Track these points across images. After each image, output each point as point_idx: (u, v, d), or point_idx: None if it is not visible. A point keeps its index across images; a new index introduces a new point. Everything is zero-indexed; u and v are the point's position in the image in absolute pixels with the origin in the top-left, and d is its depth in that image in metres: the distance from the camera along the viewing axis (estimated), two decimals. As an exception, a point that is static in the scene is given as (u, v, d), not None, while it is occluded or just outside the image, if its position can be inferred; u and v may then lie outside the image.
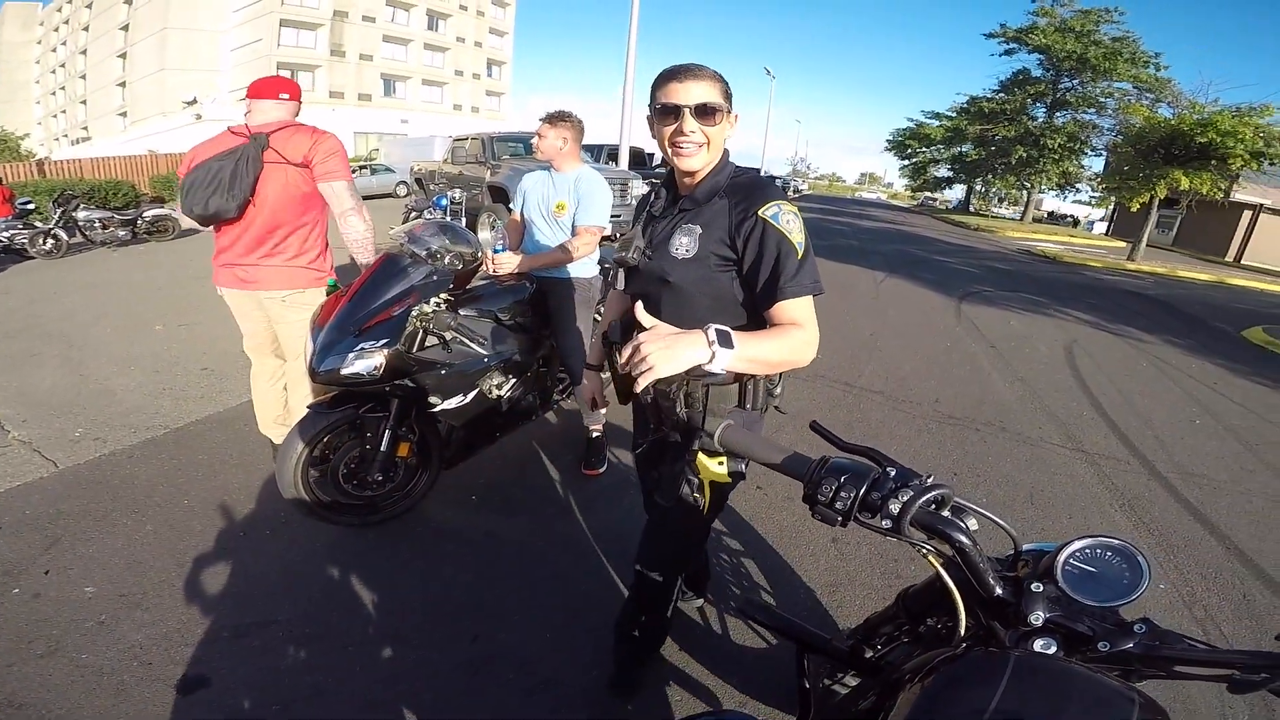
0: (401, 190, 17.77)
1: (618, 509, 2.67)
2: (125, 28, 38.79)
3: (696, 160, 1.28)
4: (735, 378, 1.35)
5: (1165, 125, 15.61)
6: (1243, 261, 22.22)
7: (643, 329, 1.03)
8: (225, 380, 4.00)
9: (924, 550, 0.81)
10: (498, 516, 2.58)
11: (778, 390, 1.43)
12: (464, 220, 8.93)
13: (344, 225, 2.38)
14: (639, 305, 1.02)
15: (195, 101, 33.87)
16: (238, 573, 2.23)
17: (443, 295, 2.22)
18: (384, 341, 2.03)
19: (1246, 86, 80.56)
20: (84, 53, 43.90)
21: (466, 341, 2.17)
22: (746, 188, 1.30)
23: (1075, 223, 42.36)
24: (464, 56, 45.02)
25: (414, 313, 2.11)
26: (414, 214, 9.00)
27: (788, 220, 1.23)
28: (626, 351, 0.97)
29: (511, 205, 2.88)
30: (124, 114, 40.18)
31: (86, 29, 42.97)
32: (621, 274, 1.51)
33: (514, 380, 2.52)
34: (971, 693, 0.64)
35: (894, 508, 0.75)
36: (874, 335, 5.77)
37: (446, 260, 2.21)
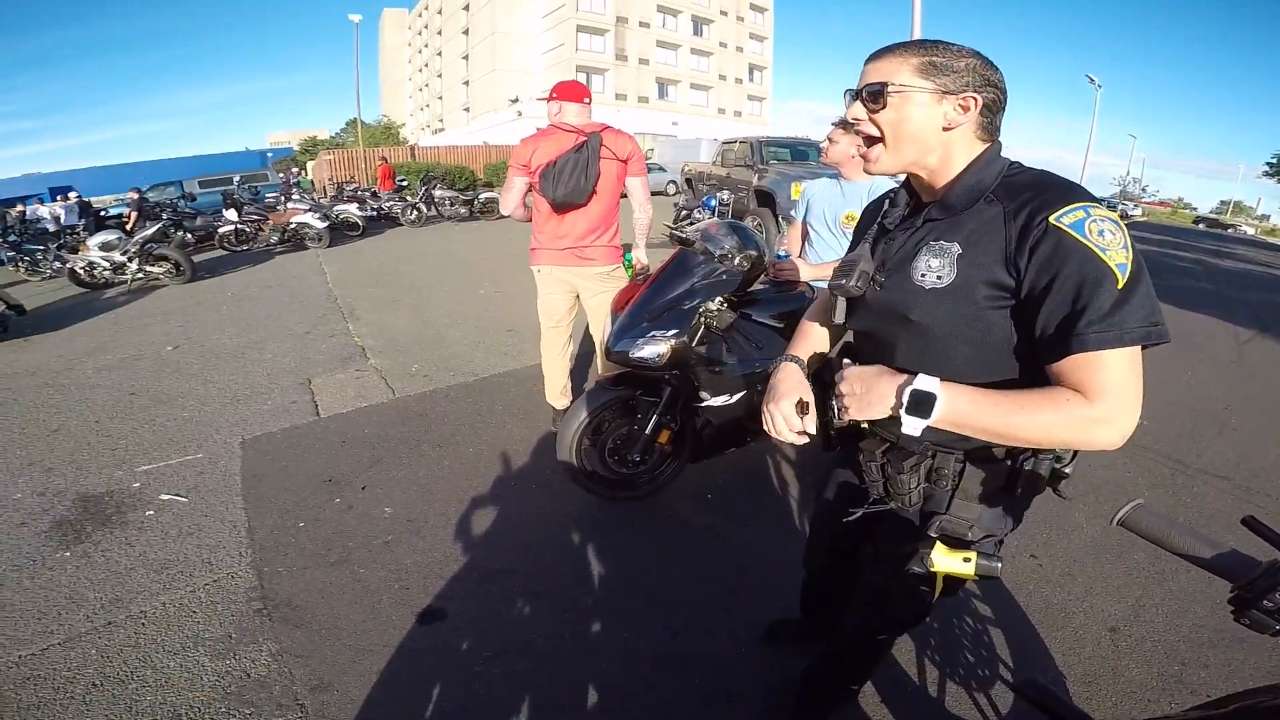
0: (671, 189, 18.95)
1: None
2: (466, 32, 47.22)
3: (875, 165, 1.02)
4: (1005, 451, 1.02)
5: None
6: None
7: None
8: (525, 343, 4.71)
9: None
10: (729, 520, 2.60)
11: (1068, 469, 1.02)
12: (737, 223, 9.17)
13: (641, 212, 2.82)
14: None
15: (517, 100, 40.19)
16: (501, 519, 2.54)
17: (727, 295, 2.28)
18: (673, 332, 2.16)
19: None
20: (439, 54, 54.60)
21: (744, 343, 2.20)
22: (1030, 185, 0.93)
23: None
24: (727, 61, 46.17)
25: (701, 309, 2.21)
26: (684, 212, 9.51)
27: (1100, 231, 0.84)
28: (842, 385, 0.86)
29: (793, 213, 2.84)
30: (467, 109, 49.29)
31: (440, 32, 53.22)
32: (841, 304, 1.15)
33: (778, 388, 2.49)
34: None
35: None
36: (1227, 408, 4.46)
37: (736, 261, 2.26)
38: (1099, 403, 0.83)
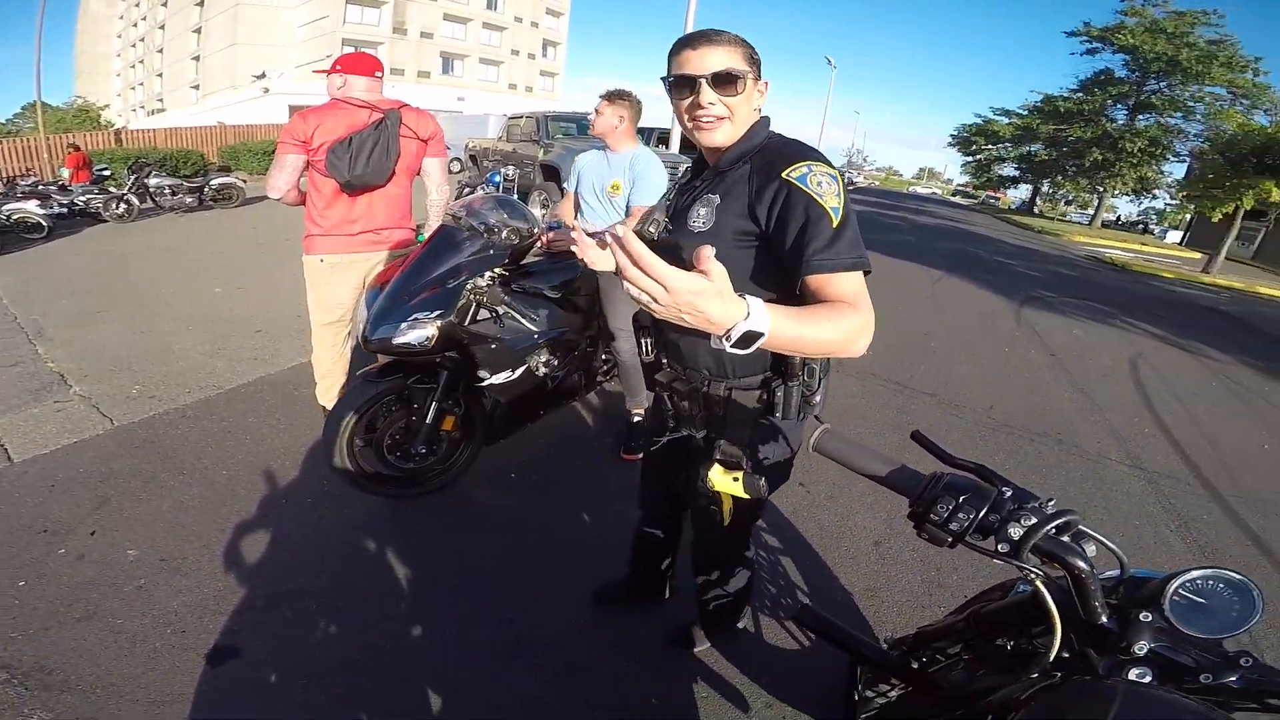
0: (455, 166, 18.03)
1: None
2: (200, 3, 40.26)
3: (719, 134, 1.16)
4: (763, 379, 1.23)
5: (1261, 133, 14.58)
6: (1335, 281, 20.63)
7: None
8: (277, 342, 4.13)
9: (1031, 575, 0.77)
10: (535, 496, 2.58)
11: (816, 398, 1.26)
12: (515, 197, 9.02)
13: (438, 193, 2.67)
14: (705, 253, 0.78)
15: (264, 76, 34.99)
16: (277, 541, 2.25)
17: (497, 270, 2.22)
18: (438, 312, 2.05)
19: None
20: (162, 27, 45.78)
21: (518, 317, 2.18)
22: (776, 149, 1.16)
23: (1145, 229, 40.15)
24: (520, 36, 45.25)
25: (468, 285, 2.13)
26: (468, 190, 9.13)
27: (819, 182, 1.05)
28: (637, 278, 0.76)
29: (565, 184, 2.86)
30: (196, 87, 41.81)
31: (165, 4, 44.73)
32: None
33: (561, 358, 2.52)
34: None
35: (1014, 533, 0.71)
36: (928, 335, 5.57)
37: (503, 235, 2.21)
38: (861, 311, 0.98)
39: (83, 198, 9.44)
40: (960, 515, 0.74)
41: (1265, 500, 3.26)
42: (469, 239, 2.17)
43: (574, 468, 2.83)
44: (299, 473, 2.68)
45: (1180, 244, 27.58)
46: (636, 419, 2.87)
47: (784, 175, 1.07)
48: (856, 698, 1.24)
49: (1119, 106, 28.76)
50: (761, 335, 0.83)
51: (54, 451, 2.82)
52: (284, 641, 1.84)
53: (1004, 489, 0.76)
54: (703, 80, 1.11)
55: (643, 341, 1.40)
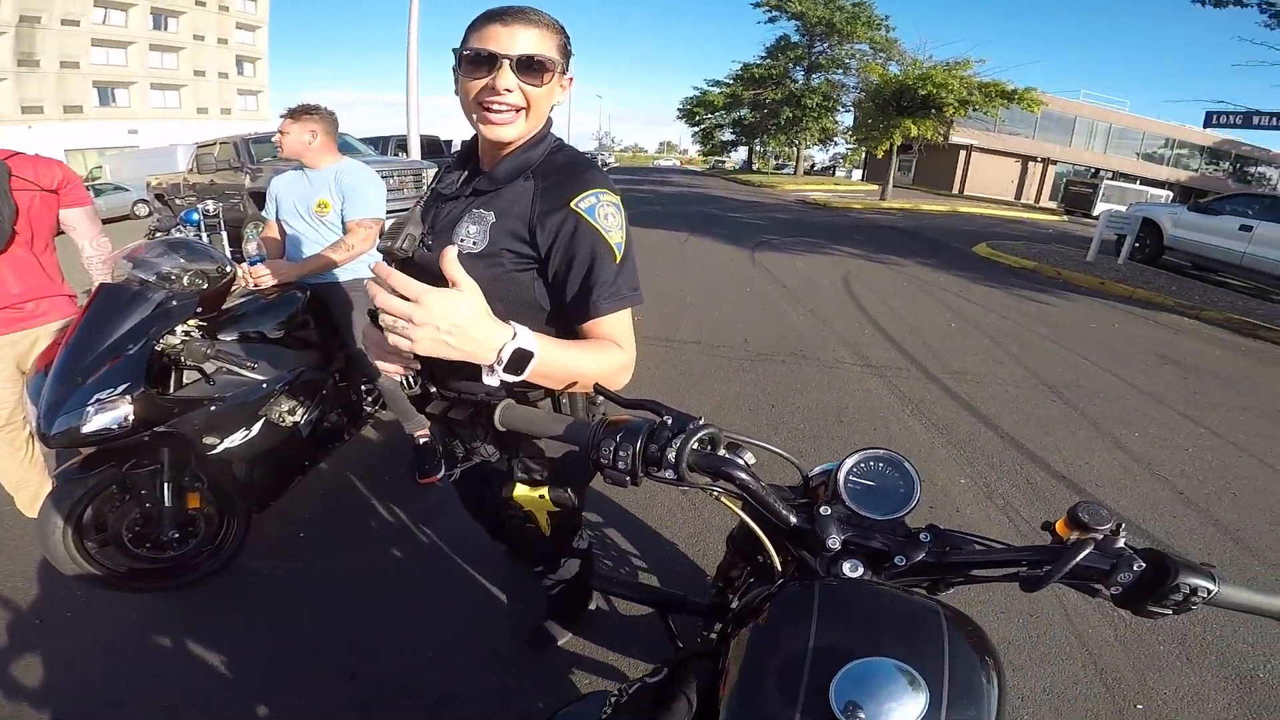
0: (142, 209, 15.00)
1: (464, 510, 2.55)
2: None
3: (511, 129, 1.01)
4: (544, 393, 1.15)
5: (895, 81, 18.28)
6: (965, 192, 27.14)
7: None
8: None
9: (715, 494, 0.78)
10: (335, 548, 2.33)
11: (599, 401, 1.20)
12: (225, 234, 7.82)
13: (95, 249, 2.24)
14: (450, 255, 0.74)
15: None
16: (52, 661, 1.83)
17: (192, 322, 1.91)
18: (124, 386, 1.70)
19: (953, 43, 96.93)
20: None
21: (234, 369, 1.90)
22: (561, 169, 1.05)
23: (833, 171, 48.45)
24: (204, 55, 38.94)
25: (159, 346, 1.80)
26: (159, 234, 7.64)
27: (606, 215, 1.01)
28: (388, 301, 0.71)
29: (264, 213, 2.56)
30: None
31: None
32: (394, 265, 1.25)
33: (308, 401, 2.26)
34: (790, 631, 0.63)
35: (670, 456, 0.70)
36: (684, 291, 6.12)
37: (185, 281, 1.90)
38: (625, 349, 1.01)
39: None
40: (622, 453, 0.72)
41: (965, 371, 4.16)
42: (142, 293, 1.82)
43: (369, 508, 2.59)
44: (40, 590, 2.13)
45: (862, 179, 33.75)
46: (423, 440, 2.71)
47: (572, 205, 0.99)
48: (680, 645, 1.26)
49: (798, 68, 33.36)
50: (532, 355, 0.81)
51: None
52: None
53: (665, 418, 0.74)
54: (505, 61, 0.95)
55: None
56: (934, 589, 0.79)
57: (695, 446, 0.71)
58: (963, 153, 28.39)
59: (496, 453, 1.25)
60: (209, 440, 1.95)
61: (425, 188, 8.75)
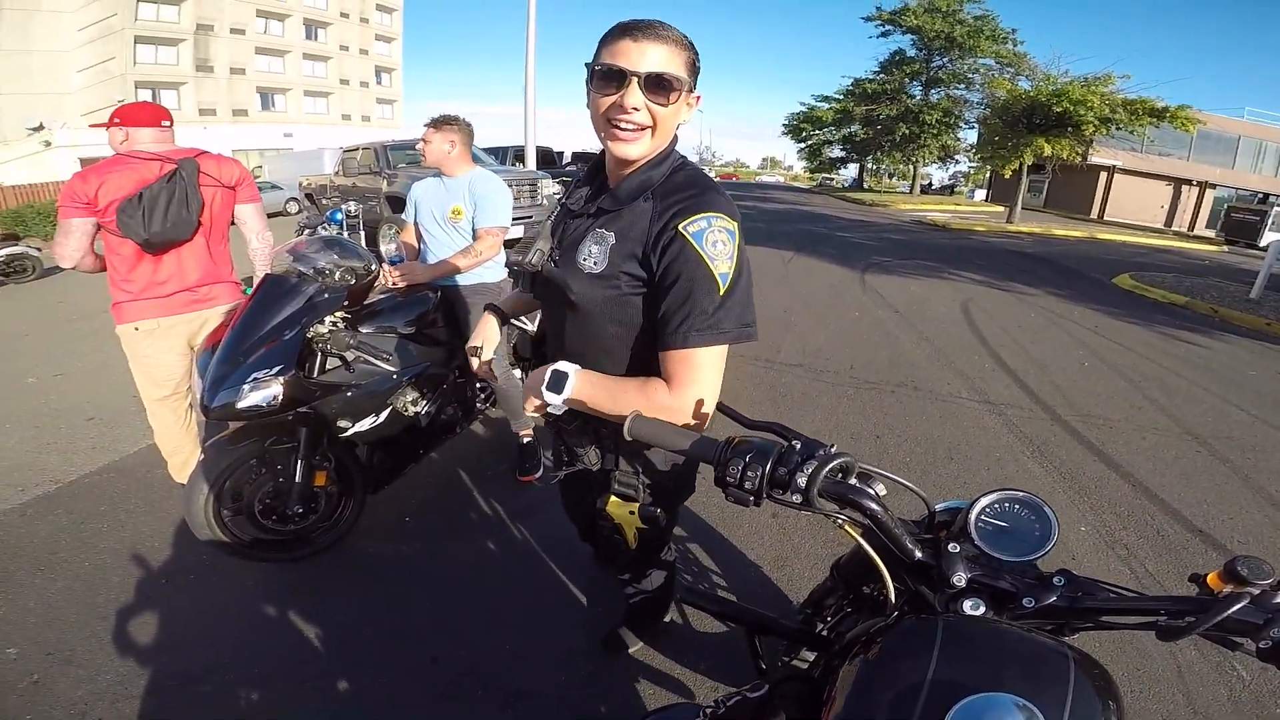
0: (292, 207, 16.71)
1: (558, 510, 2.61)
2: None
3: (636, 147, 1.00)
4: None
5: (1025, 97, 17.08)
6: (1105, 217, 24.75)
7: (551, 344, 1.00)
8: (116, 428, 3.63)
9: (839, 521, 0.78)
10: (437, 535, 2.46)
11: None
12: (363, 233, 8.51)
13: (260, 242, 2.49)
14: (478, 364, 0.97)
15: (41, 128, 30.41)
16: (169, 620, 2.06)
17: (338, 313, 2.07)
18: (278, 368, 1.87)
19: (1089, 58, 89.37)
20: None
21: (370, 359, 2.04)
22: (679, 189, 1.03)
23: (951, 190, 45.80)
24: (349, 65, 42.90)
25: (309, 334, 1.97)
26: (307, 230, 8.48)
27: (714, 241, 0.96)
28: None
29: (404, 216, 2.74)
30: (-43, 146, 35.57)
31: None
32: (526, 276, 1.24)
33: (429, 394, 2.40)
34: (908, 663, 0.62)
35: (800, 481, 0.72)
36: (788, 312, 5.95)
37: (337, 276, 2.07)
38: (678, 394, 0.98)
39: None
40: (750, 474, 0.75)
41: (1097, 415, 3.77)
42: (299, 285, 2.00)
43: (473, 500, 2.72)
44: (173, 552, 2.42)
45: (986, 200, 31.63)
46: (527, 440, 2.81)
47: (680, 229, 0.97)
48: (764, 666, 1.26)
49: (914, 83, 31.97)
50: (568, 374, 0.93)
51: None
52: (210, 716, 1.73)
53: (793, 442, 0.76)
54: (634, 79, 0.94)
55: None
56: (1057, 632, 0.76)
57: (827, 474, 0.72)
58: (1103, 174, 25.91)
59: (598, 462, 1.29)
60: (342, 423, 2.11)
61: (540, 197, 9.36)
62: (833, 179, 49.77)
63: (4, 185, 17.59)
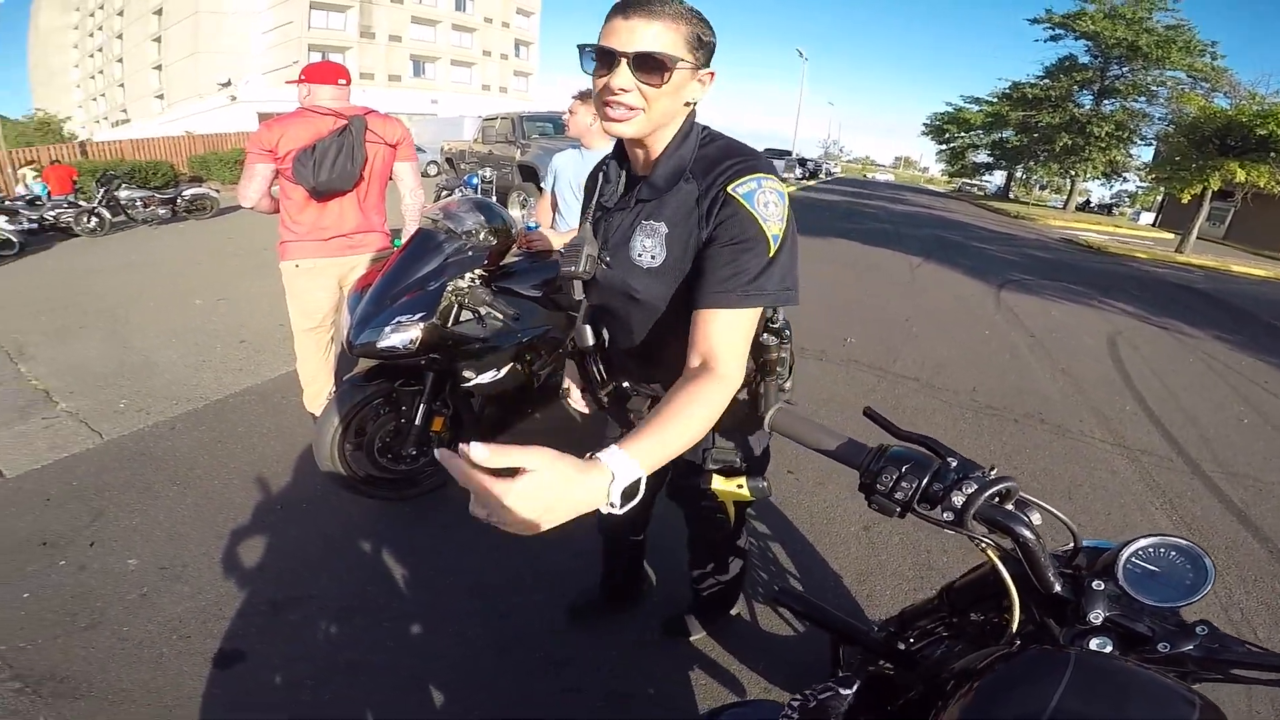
0: (433, 170, 17.86)
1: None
2: (159, 12, 39.56)
3: (629, 127, 0.96)
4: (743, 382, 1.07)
5: (1222, 116, 14.92)
6: (1301, 257, 21.22)
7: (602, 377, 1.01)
8: (262, 353, 4.09)
9: (982, 544, 0.77)
10: None
11: (788, 384, 1.20)
12: (495, 198, 8.97)
13: (412, 197, 2.70)
14: (477, 455, 0.67)
15: (229, 84, 34.43)
16: (275, 546, 2.26)
17: (477, 271, 2.20)
18: (420, 315, 2.03)
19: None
20: (120, 37, 44.86)
21: (500, 317, 2.16)
22: (717, 160, 1.00)
23: (1110, 210, 41.09)
24: (491, 37, 45.03)
25: (449, 287, 2.11)
26: (445, 192, 9.07)
27: (766, 202, 0.94)
28: (479, 510, 0.70)
29: (543, 184, 2.85)
30: (160, 96, 41.15)
31: (121, 14, 43.83)
32: (578, 284, 1.20)
33: (546, 356, 2.51)
34: (1030, 691, 0.61)
35: (957, 500, 0.72)
36: (909, 321, 5.62)
37: (481, 236, 2.20)
38: (724, 367, 0.91)
39: (53, 212, 9.22)
40: (904, 484, 0.75)
41: (1246, 475, 3.32)
42: (447, 241, 2.15)
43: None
44: (292, 479, 2.67)
45: (1153, 225, 28.13)
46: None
47: (729, 190, 0.95)
48: (844, 675, 1.24)
49: (1085, 92, 29.09)
50: (640, 479, 0.77)
51: (45, 467, 2.81)
52: (289, 644, 1.86)
53: (949, 459, 0.76)
54: (623, 59, 0.90)
55: (592, 369, 1.29)
56: (1181, 678, 0.71)
57: (988, 497, 0.71)
58: (1309, 209, 22.20)
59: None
60: (466, 373, 2.26)
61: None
62: (974, 185, 46.22)
63: (196, 134, 20.12)
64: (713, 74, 1.01)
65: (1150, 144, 27.19)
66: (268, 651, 1.83)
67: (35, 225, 8.88)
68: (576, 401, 1.52)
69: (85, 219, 9.26)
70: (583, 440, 3.02)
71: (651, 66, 0.91)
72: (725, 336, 0.94)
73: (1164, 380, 4.78)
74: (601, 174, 1.18)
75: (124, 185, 10.25)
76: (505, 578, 2.12)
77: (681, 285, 1.03)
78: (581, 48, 0.96)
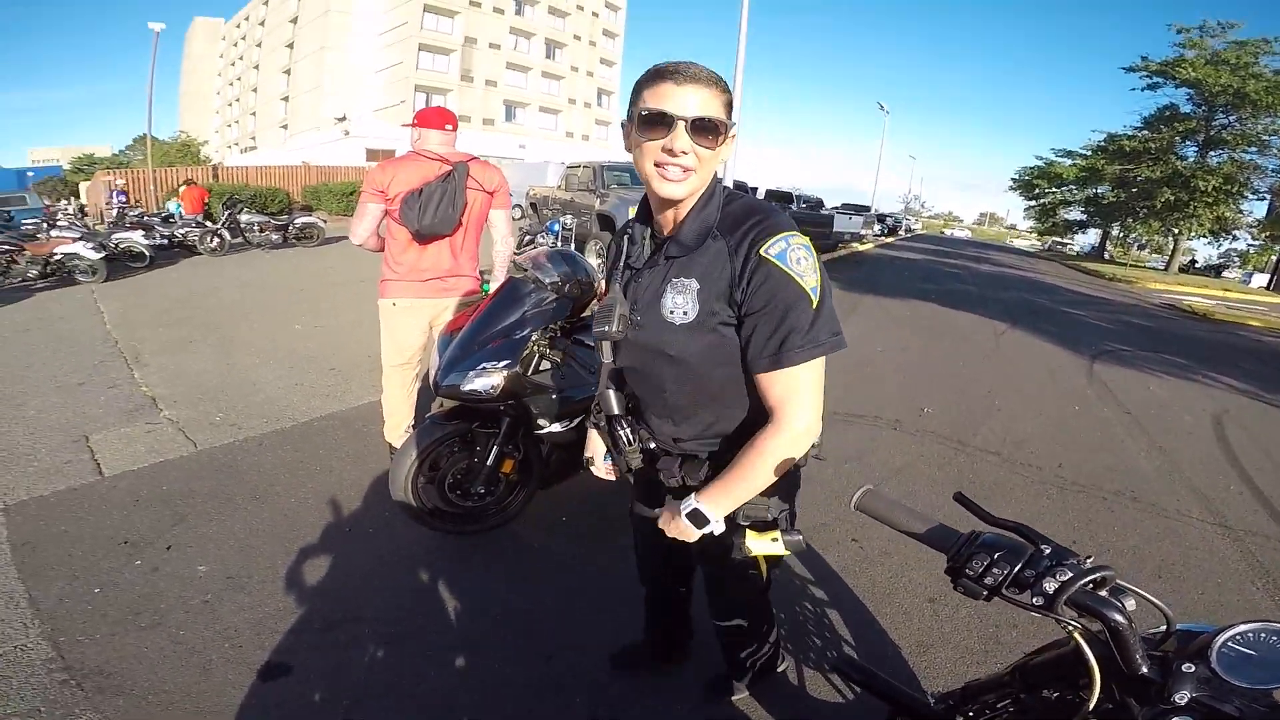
0: (516, 214, 18.75)
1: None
2: (290, 45, 43.71)
3: (682, 188, 1.02)
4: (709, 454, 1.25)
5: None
6: None
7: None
8: (350, 381, 4.35)
9: (1069, 628, 0.78)
10: (586, 541, 2.61)
11: (818, 439, 1.19)
12: (574, 246, 9.28)
13: (503, 244, 2.83)
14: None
15: (344, 119, 37.50)
16: (337, 567, 2.36)
17: (560, 322, 2.31)
18: (505, 363, 2.14)
19: None
20: (256, 67, 49.79)
21: (577, 368, 2.25)
22: (742, 219, 1.05)
23: (1219, 271, 37.99)
24: (577, 85, 47.17)
25: (533, 338, 2.21)
26: (528, 237, 9.44)
27: (798, 259, 0.99)
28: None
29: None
30: (285, 126, 45.23)
31: (260, 45, 48.71)
32: (607, 346, 1.24)
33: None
34: None
35: (1049, 586, 0.73)
36: (992, 392, 5.35)
37: (566, 288, 2.30)
38: (791, 420, 1.02)
39: (182, 230, 10.30)
40: (995, 570, 0.77)
41: None
42: (534, 291, 2.27)
43: (624, 515, 2.83)
44: (363, 504, 2.80)
45: (1268, 288, 25.76)
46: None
47: (762, 253, 1.00)
48: None
49: (1188, 143, 27.21)
50: (697, 512, 1.09)
51: (141, 469, 3.05)
52: (335, 664, 1.91)
53: (1043, 546, 0.77)
54: (681, 123, 0.97)
55: (620, 433, 1.28)
56: None
57: (1083, 585, 0.72)
58: None
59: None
60: (541, 421, 2.34)
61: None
62: (1064, 243, 43.95)
63: (312, 165, 21.98)
64: (734, 135, 1.08)
65: (1263, 198, 25.20)
66: (312, 668, 1.89)
67: (165, 241, 9.93)
68: (599, 469, 1.56)
69: (209, 239, 10.29)
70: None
71: (707, 130, 0.99)
72: (786, 391, 1.02)
73: (1276, 461, 4.33)
74: (626, 236, 1.23)
75: (245, 209, 11.32)
76: (556, 620, 2.14)
77: (713, 338, 1.07)
78: (632, 110, 1.02)
